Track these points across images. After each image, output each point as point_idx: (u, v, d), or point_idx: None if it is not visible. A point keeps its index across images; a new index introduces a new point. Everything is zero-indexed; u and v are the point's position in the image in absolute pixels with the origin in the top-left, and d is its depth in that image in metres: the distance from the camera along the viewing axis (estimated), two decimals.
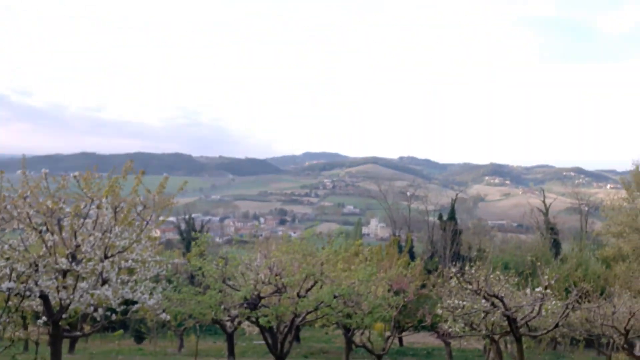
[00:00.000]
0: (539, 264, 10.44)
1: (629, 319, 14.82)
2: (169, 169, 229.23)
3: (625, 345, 14.55)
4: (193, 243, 10.58)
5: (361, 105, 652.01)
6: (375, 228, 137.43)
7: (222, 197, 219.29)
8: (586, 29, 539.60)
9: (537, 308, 9.42)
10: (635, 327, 15.34)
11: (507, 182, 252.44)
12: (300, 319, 8.99)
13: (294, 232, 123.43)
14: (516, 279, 11.50)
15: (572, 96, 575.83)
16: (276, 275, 8.84)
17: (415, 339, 28.03)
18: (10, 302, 8.48)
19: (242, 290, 8.83)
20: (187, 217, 48.41)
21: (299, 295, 8.51)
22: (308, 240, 9.31)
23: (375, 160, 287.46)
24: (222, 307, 9.43)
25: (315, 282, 8.62)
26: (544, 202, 52.52)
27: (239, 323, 11.85)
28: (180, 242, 46.74)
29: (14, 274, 8.33)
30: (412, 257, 39.85)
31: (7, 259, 8.37)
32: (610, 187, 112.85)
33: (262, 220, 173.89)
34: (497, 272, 10.64)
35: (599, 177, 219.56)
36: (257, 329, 9.57)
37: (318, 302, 8.48)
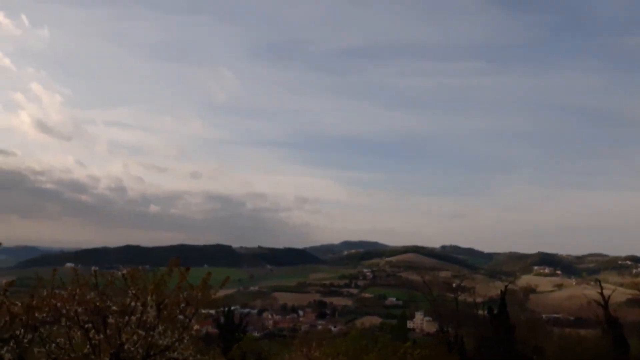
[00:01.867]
0: None
1: None
2: (209, 260, 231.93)
3: None
4: (235, 346, 10.30)
5: (397, 196, 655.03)
6: (421, 322, 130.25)
7: (261, 288, 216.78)
8: None
9: None
10: None
11: (558, 272, 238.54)
12: None
13: (334, 327, 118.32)
14: None
15: (617, 182, 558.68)
16: None
17: None
18: None
19: None
20: (225, 310, 47.70)
21: None
22: (353, 341, 8.82)
23: (416, 250, 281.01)
24: None
25: None
26: (601, 293, 48.78)
27: None
28: (219, 337, 45.67)
29: None
30: (464, 355, 37.12)
31: (54, 358, 8.38)
32: None
33: (300, 313, 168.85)
34: None
35: None
36: None
37: None
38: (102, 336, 10.09)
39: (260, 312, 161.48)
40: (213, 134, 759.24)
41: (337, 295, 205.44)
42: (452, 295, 62.30)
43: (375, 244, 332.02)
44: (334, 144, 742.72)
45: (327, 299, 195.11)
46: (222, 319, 47.48)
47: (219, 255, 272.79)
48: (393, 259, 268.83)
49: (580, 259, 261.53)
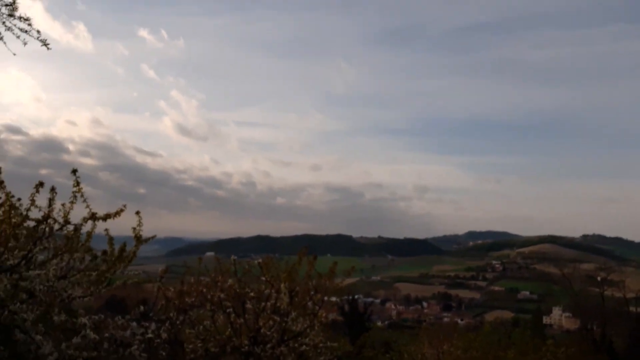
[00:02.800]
0: None
1: None
2: (331, 249, 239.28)
3: None
4: (365, 334, 10.41)
5: (531, 180, 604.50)
6: (559, 318, 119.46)
7: (382, 278, 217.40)
8: None
9: None
10: None
11: None
12: None
13: (462, 319, 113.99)
14: None
15: None
16: None
17: None
18: None
19: None
20: (350, 298, 48.77)
21: None
22: (486, 336, 8.33)
23: (552, 240, 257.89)
24: None
25: None
26: None
27: None
28: (344, 324, 46.85)
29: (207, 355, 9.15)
30: (613, 355, 33.21)
31: (203, 339, 9.27)
32: None
33: (424, 304, 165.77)
34: None
35: None
36: None
37: None
38: (241, 320, 10.93)
39: (383, 302, 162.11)
40: (332, 126, 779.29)
41: (463, 288, 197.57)
42: (597, 290, 55.93)
43: (505, 234, 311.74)
44: (458, 128, 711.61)
45: (452, 291, 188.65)
46: (346, 307, 48.66)
47: (340, 244, 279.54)
48: (525, 249, 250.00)
49: None
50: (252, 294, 10.90)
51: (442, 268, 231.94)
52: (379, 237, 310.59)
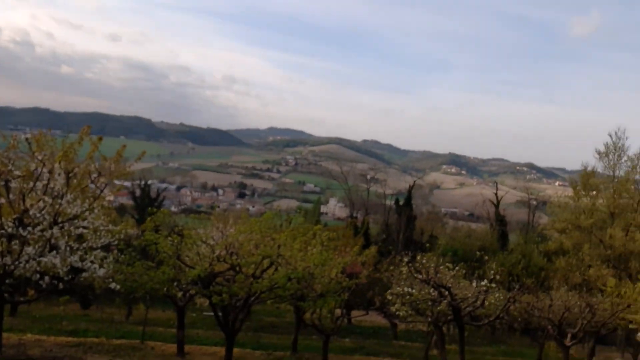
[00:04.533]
0: (486, 257, 10.93)
1: (564, 313, 15.83)
2: (126, 131, 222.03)
3: (557, 336, 15.56)
4: (149, 219, 10.32)
5: (329, 86, 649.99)
6: (334, 208, 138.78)
7: (181, 165, 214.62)
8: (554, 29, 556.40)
9: (481, 300, 9.91)
10: (569, 320, 16.41)
11: (463, 172, 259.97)
12: (253, 298, 9.07)
13: (253, 206, 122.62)
14: (463, 270, 12.02)
15: (532, 94, 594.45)
16: (232, 254, 8.81)
17: (363, 318, 28.86)
18: None
19: (196, 269, 8.76)
20: (142, 183, 47.07)
21: (254, 276, 8.54)
22: (268, 221, 9.29)
23: (339, 141, 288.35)
24: (175, 283, 9.32)
25: (272, 264, 8.68)
26: (496, 194, 54.39)
27: (191, 298, 11.81)
28: (134, 208, 45.55)
29: None
30: (367, 239, 40.57)
31: None
32: (559, 185, 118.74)
33: (220, 191, 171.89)
34: (447, 264, 11.08)
35: (549, 174, 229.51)
36: (208, 301, 9.59)
37: (272, 283, 8.56)
38: (3, 200, 9.64)
39: (178, 189, 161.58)
40: None
41: (259, 179, 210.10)
42: (366, 186, 66.46)
43: (301, 132, 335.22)
44: (273, 22, 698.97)
45: (248, 181, 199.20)
46: (137, 192, 47.05)
47: (138, 127, 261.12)
48: (316, 148, 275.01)
49: (484, 161, 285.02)
50: (17, 173, 9.60)
51: (241, 159, 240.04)
52: (181, 124, 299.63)
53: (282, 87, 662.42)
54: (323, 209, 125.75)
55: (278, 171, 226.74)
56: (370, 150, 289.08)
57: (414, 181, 65.16)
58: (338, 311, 13.48)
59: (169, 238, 9.76)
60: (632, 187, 32.75)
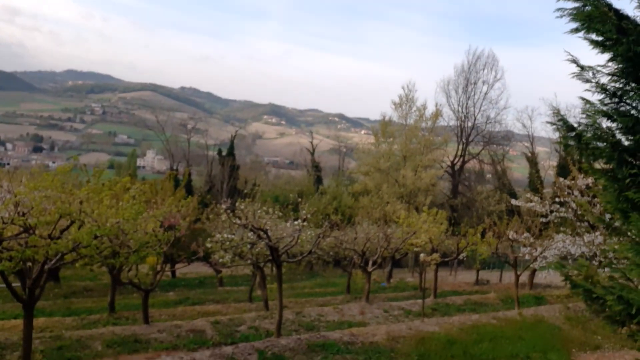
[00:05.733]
0: (300, 200, 11.71)
1: (366, 243, 18.16)
2: None
3: (361, 264, 17.87)
4: None
5: (139, 27, 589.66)
6: (152, 160, 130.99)
7: None
8: None
9: (295, 238, 10.68)
10: (370, 249, 18.91)
11: (283, 122, 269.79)
12: (53, 262, 8.09)
13: (53, 162, 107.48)
14: (281, 212, 12.73)
15: (343, 49, 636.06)
16: (23, 214, 7.61)
17: (188, 270, 28.63)
18: None
19: None
20: None
21: (51, 237, 7.57)
22: (67, 175, 8.21)
23: (154, 88, 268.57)
24: None
25: (73, 222, 7.80)
26: (311, 142, 58.18)
27: None
28: None
29: None
30: (190, 191, 39.60)
31: None
32: (364, 133, 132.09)
33: (9, 146, 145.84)
34: (265, 208, 11.55)
35: (356, 123, 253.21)
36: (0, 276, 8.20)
37: (75, 243, 7.72)
38: None
39: None
40: None
41: (58, 130, 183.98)
42: (186, 137, 64.01)
43: (109, 77, 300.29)
44: None
45: (45, 133, 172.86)
46: None
47: None
48: (127, 95, 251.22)
49: (302, 112, 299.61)
50: None
51: (33, 107, 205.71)
52: None
53: (80, 25, 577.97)
54: (140, 162, 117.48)
55: (82, 121, 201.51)
56: (189, 99, 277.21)
57: (236, 131, 65.20)
58: (157, 266, 13.08)
59: None
60: (420, 133, 38.43)
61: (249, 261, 13.39)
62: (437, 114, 39.65)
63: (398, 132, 38.31)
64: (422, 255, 16.04)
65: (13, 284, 8.79)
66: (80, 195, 7.95)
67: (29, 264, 8.94)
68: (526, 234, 16.74)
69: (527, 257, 16.75)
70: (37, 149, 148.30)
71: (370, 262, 17.32)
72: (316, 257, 21.95)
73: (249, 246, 12.16)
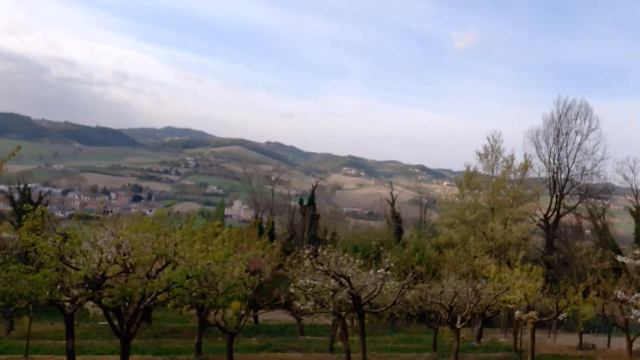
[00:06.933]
0: (382, 248, 11.46)
1: (453, 298, 17.17)
2: (0, 130, 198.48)
3: (449, 320, 16.85)
4: (24, 217, 9.23)
5: (230, 87, 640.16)
6: (239, 210, 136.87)
7: (67, 167, 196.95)
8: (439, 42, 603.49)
9: (378, 287, 10.37)
10: (458, 305, 17.83)
11: (362, 173, 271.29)
12: (149, 299, 8.53)
13: (150, 211, 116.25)
14: (362, 261, 12.51)
15: (423, 102, 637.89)
16: (124, 254, 8.21)
17: (270, 317, 28.79)
18: None
19: (82, 269, 8.00)
20: (21, 186, 42.40)
21: (148, 276, 8.04)
22: (163, 220, 8.80)
23: (242, 143, 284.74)
24: (59, 287, 8.43)
25: (168, 263, 8.24)
26: (391, 193, 57.59)
27: (80, 304, 10.81)
28: (13, 214, 40.89)
29: None
30: (273, 239, 40.35)
31: None
32: (447, 184, 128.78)
33: (113, 195, 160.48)
34: (347, 255, 11.43)
35: (438, 174, 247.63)
36: (102, 310, 8.82)
37: (169, 283, 8.12)
38: None
39: (65, 192, 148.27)
40: None
41: (156, 181, 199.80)
42: (270, 187, 66.54)
43: (202, 133, 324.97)
44: (165, 17, 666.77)
45: (144, 184, 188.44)
46: (16, 197, 42.33)
47: (13, 125, 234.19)
48: (218, 149, 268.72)
49: (380, 163, 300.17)
50: None
51: (135, 160, 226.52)
52: (66, 123, 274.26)
53: (179, 86, 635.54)
54: (227, 211, 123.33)
55: (177, 173, 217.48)
56: (274, 152, 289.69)
57: (317, 182, 66.62)
58: (242, 310, 13.29)
59: (50, 238, 8.83)
60: (508, 185, 36.60)
61: (330, 309, 13.17)
62: (527, 165, 37.66)
63: (484, 183, 36.82)
64: (517, 312, 14.78)
65: (101, 323, 9.34)
66: (175, 237, 8.43)
67: (126, 302, 9.50)
68: (637, 294, 14.88)
69: None
70: (137, 198, 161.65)
71: (459, 319, 16.27)
72: (399, 311, 21.08)
73: (330, 293, 12.01)
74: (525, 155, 39.65)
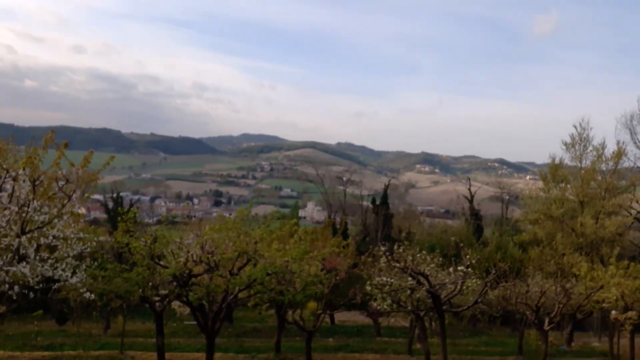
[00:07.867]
0: (462, 244, 11.08)
1: (540, 298, 16.17)
2: (95, 144, 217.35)
3: (536, 321, 15.88)
4: (119, 219, 10.06)
5: (301, 91, 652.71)
6: (312, 211, 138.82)
7: (153, 176, 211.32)
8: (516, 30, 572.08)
9: (459, 286, 10.02)
10: (545, 305, 16.76)
11: (437, 170, 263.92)
12: (232, 296, 8.92)
13: (230, 214, 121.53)
14: (441, 259, 12.15)
15: (499, 93, 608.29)
16: (208, 253, 8.67)
17: (346, 317, 28.87)
18: None
19: (170, 268, 8.55)
20: (114, 195, 46.17)
21: (231, 273, 8.42)
22: (243, 221, 9.19)
23: (313, 145, 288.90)
24: (150, 284, 9.11)
25: (249, 260, 8.58)
26: (469, 190, 55.30)
27: (169, 302, 11.59)
28: (107, 221, 44.60)
29: None
30: (346, 238, 40.53)
31: None
32: (530, 178, 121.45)
33: (195, 201, 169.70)
34: (424, 252, 11.17)
35: (519, 168, 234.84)
36: (188, 310, 9.36)
37: (251, 279, 8.45)
38: None
39: (152, 200, 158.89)
40: (100, 2, 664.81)
41: (234, 186, 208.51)
42: (342, 188, 66.76)
43: (275, 138, 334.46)
44: (238, 29, 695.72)
45: (224, 189, 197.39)
46: (110, 204, 46.10)
47: (107, 140, 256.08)
48: (291, 152, 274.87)
49: (457, 159, 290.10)
50: None
51: (215, 167, 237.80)
52: (152, 134, 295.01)
53: (253, 94, 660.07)
54: (301, 213, 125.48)
55: (254, 177, 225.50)
56: (345, 153, 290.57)
57: (389, 181, 65.77)
58: (319, 309, 13.46)
59: (142, 239, 9.55)
60: (599, 176, 33.79)
61: (408, 308, 12.94)
62: (620, 153, 34.48)
63: (572, 175, 34.29)
64: (613, 312, 13.60)
65: (187, 322, 9.89)
66: (255, 235, 8.75)
67: (210, 299, 10.01)
68: None
69: None
70: (218, 203, 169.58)
71: (547, 320, 15.28)
72: (481, 312, 20.23)
73: (408, 292, 11.81)
74: (618, 143, 36.23)
